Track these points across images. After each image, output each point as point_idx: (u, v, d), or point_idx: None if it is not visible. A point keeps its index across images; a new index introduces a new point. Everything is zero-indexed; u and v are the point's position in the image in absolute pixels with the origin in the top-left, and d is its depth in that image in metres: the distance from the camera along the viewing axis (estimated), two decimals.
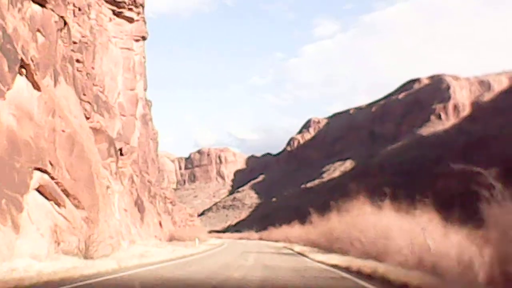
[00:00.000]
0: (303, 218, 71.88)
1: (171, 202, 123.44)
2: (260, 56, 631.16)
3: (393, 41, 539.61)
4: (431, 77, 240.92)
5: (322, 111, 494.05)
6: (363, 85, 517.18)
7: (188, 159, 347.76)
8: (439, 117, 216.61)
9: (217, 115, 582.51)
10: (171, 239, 75.61)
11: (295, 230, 73.43)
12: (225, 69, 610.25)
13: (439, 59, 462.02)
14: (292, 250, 57.03)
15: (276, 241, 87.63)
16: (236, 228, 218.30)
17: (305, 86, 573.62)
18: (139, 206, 66.74)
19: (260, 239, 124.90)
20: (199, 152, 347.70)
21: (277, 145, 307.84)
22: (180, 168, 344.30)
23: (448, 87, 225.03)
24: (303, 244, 60.46)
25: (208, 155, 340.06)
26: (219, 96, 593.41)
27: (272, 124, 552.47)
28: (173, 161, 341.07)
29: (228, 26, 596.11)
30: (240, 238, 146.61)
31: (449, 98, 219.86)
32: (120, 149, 65.42)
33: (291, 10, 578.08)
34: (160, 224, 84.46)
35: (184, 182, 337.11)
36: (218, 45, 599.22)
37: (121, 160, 64.23)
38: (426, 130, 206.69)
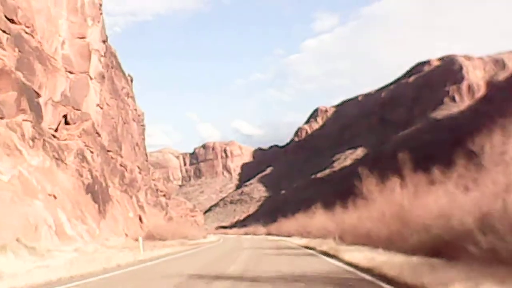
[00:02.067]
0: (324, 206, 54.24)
1: (164, 195, 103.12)
2: (260, 53, 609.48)
3: (394, 32, 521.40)
4: (442, 59, 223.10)
5: (327, 104, 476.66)
6: (366, 77, 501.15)
7: (193, 155, 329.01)
8: (453, 99, 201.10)
9: (222, 112, 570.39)
10: (149, 237, 55.07)
11: (317, 219, 52.16)
12: (226, 67, 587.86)
13: (444, 46, 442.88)
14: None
15: (289, 235, 65.99)
16: (244, 223, 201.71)
17: (308, 80, 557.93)
18: (96, 194, 46.20)
19: (268, 234, 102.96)
20: (204, 146, 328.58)
21: (283, 140, 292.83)
22: (185, 164, 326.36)
23: (461, 68, 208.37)
24: (337, 239, 34.13)
25: (213, 149, 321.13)
26: (223, 93, 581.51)
27: (278, 119, 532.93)
28: (177, 157, 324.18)
29: (226, 25, 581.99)
30: (246, 234, 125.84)
31: (462, 79, 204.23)
32: (65, 116, 45.13)
33: (288, 5, 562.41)
34: (140, 219, 63.94)
35: (190, 178, 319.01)
36: (218, 44, 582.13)
37: (66, 129, 43.79)
38: (440, 113, 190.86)
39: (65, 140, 44.09)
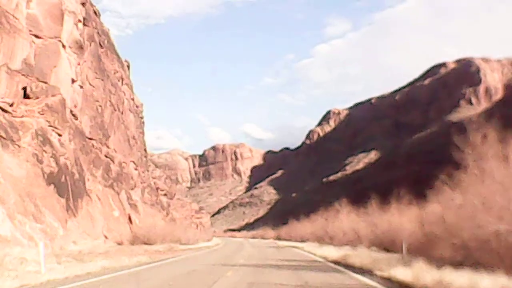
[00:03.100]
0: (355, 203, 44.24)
1: (165, 195, 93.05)
2: (272, 58, 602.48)
3: (406, 38, 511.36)
4: (458, 61, 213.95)
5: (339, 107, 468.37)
6: (378, 83, 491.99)
7: (202, 157, 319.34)
8: (470, 102, 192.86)
9: (232, 116, 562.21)
10: (134, 241, 45.16)
11: (344, 221, 40.03)
12: (237, 71, 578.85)
13: (456, 51, 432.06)
14: None
15: (302, 240, 55.14)
16: (254, 226, 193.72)
17: (319, 85, 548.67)
18: (63, 186, 36.22)
19: (278, 238, 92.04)
20: (213, 148, 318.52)
21: (294, 144, 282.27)
22: (194, 166, 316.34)
23: (478, 70, 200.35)
24: (405, 252, 22.35)
25: (223, 151, 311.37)
26: (234, 97, 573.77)
27: (288, 123, 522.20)
28: (186, 159, 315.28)
29: (238, 29, 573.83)
30: (253, 237, 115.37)
31: (479, 81, 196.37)
32: (24, 88, 35.23)
33: (300, 10, 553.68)
34: (130, 219, 53.94)
35: (199, 180, 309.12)
36: (229, 48, 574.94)
37: (25, 104, 33.89)
38: (456, 116, 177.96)
39: (21, 117, 34.15)
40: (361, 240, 26.62)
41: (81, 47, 45.29)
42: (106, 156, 52.57)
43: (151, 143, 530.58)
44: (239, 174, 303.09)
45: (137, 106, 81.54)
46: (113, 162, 54.49)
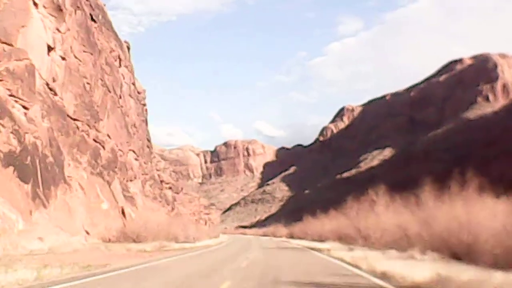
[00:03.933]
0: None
1: (170, 188, 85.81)
2: (284, 56, 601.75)
3: (417, 37, 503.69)
4: (475, 57, 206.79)
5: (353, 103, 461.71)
6: (390, 81, 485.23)
7: (214, 152, 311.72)
8: (487, 98, 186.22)
9: (244, 113, 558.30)
10: (121, 238, 37.73)
11: (382, 216, 30.77)
12: (249, 69, 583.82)
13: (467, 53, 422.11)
14: None
15: (321, 239, 46.59)
16: (265, 223, 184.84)
17: (331, 83, 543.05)
18: (28, 169, 28.92)
19: (291, 236, 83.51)
20: (225, 144, 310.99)
21: (306, 142, 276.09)
22: (205, 162, 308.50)
23: (495, 66, 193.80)
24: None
25: (235, 147, 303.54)
26: (246, 95, 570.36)
27: (301, 121, 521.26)
28: (198, 154, 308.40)
29: (249, 27, 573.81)
30: (264, 235, 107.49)
31: (496, 77, 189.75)
32: None
33: (312, 8, 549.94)
34: (123, 212, 46.72)
35: (210, 176, 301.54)
36: (241, 46, 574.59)
37: None
38: (473, 113, 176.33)
39: None
40: (410, 241, 18.88)
41: (59, 10, 37.88)
42: (95, 141, 45.27)
43: (162, 139, 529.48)
44: (251, 170, 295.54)
45: (139, 92, 74.24)
46: (104, 148, 47.15)
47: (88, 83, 45.42)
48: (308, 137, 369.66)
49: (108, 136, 51.25)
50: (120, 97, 60.71)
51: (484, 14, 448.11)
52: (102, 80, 49.81)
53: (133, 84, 69.90)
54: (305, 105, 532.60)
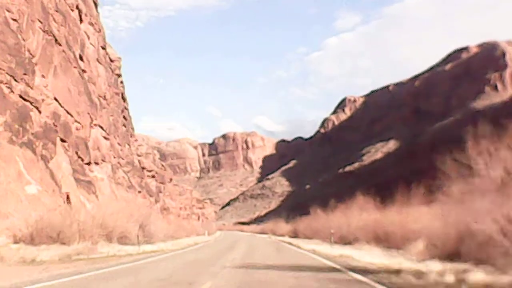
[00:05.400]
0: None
1: (153, 177, 72.24)
2: (283, 51, 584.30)
3: (418, 31, 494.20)
4: (482, 45, 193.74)
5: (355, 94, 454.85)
6: (388, 77, 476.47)
7: (212, 145, 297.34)
8: (495, 87, 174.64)
9: (244, 108, 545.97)
10: (34, 235, 23.71)
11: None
12: (248, 64, 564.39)
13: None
14: None
15: (347, 241, 30.90)
16: (265, 219, 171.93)
17: (330, 78, 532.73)
18: None
19: (295, 234, 65.52)
20: (223, 137, 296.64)
21: (306, 136, 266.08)
22: (203, 155, 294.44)
23: (503, 54, 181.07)
24: None
25: (234, 140, 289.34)
26: (245, 90, 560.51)
27: (300, 116, 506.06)
28: (195, 147, 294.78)
29: (248, 22, 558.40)
30: (262, 232, 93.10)
31: (505, 66, 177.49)
32: None
33: (311, 3, 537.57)
34: (68, 199, 32.69)
35: (208, 170, 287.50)
36: (240, 41, 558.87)
37: None
38: (481, 103, 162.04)
39: None
40: None
41: None
42: (22, 98, 31.39)
43: (162, 134, 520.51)
44: (250, 164, 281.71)
45: (111, 60, 60.43)
46: (39, 110, 33.27)
47: (14, 20, 31.62)
48: (308, 132, 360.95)
49: (55, 99, 37.59)
50: (82, 59, 47.12)
51: (484, 8, 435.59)
52: (43, 23, 36.01)
53: (103, 48, 56.10)
54: (305, 100, 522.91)
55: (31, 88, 32.64)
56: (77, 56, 45.43)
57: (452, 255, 17.06)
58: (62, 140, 37.78)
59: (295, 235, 61.90)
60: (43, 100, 34.18)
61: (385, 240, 25.25)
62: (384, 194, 35.42)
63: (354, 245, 29.04)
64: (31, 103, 32.15)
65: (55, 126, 35.89)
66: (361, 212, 32.94)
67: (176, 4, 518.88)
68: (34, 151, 31.13)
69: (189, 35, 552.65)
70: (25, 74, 32.02)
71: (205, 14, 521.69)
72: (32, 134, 31.55)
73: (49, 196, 30.63)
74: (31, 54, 33.78)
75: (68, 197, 34.05)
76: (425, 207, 22.63)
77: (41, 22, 35.61)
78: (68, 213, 25.90)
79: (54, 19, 39.43)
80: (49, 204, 30.06)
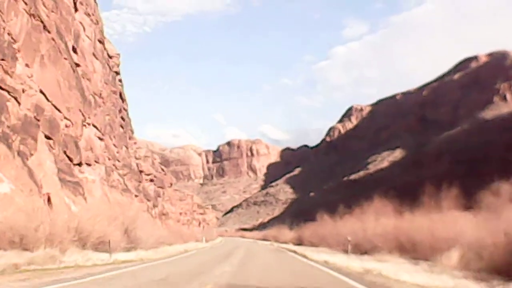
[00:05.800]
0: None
1: (152, 180, 68.68)
2: (289, 59, 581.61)
3: (423, 41, 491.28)
4: (491, 54, 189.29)
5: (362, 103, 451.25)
6: (395, 87, 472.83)
7: (216, 152, 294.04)
8: (504, 97, 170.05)
9: (249, 116, 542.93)
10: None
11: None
12: (254, 71, 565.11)
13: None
14: None
15: (364, 251, 26.22)
16: (268, 225, 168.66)
17: (336, 87, 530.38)
18: None
19: (299, 241, 60.85)
20: (228, 144, 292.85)
21: (312, 145, 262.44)
22: (207, 162, 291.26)
23: None
24: None
25: (238, 147, 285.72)
26: (251, 97, 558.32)
27: (306, 125, 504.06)
28: (200, 154, 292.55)
29: (255, 29, 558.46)
30: (264, 239, 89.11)
31: None
32: None
33: (318, 11, 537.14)
34: (49, 200, 28.95)
35: (212, 176, 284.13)
36: (246, 48, 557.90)
37: None
38: (490, 113, 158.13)
39: None
40: None
41: None
42: (1, 88, 27.87)
43: (167, 140, 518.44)
44: (254, 171, 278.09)
45: (110, 57, 57.00)
46: (18, 101, 29.74)
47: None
48: (313, 141, 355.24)
49: (42, 92, 34.13)
50: (75, 51, 43.72)
51: (494, 16, 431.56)
52: (28, 5, 32.54)
53: (100, 42, 52.70)
54: (311, 109, 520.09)
55: (10, 76, 29.16)
56: (70, 48, 42.03)
57: (500, 268, 13.42)
58: (47, 137, 34.31)
59: (299, 242, 57.57)
60: (23, 90, 30.69)
61: (412, 249, 21.36)
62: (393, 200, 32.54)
63: (373, 255, 24.91)
64: (8, 92, 28.67)
65: (38, 120, 32.40)
66: (377, 217, 28.95)
67: (183, 9, 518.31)
68: (9, 146, 27.61)
69: (195, 40, 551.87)
70: (3, 59, 28.54)
71: (212, 19, 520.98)
72: (8, 127, 28.07)
73: (24, 196, 27.04)
74: (12, 38, 30.34)
75: (49, 198, 30.51)
76: (459, 213, 18.65)
77: (26, 4, 32.15)
78: (37, 215, 22.14)
79: (43, 3, 36.06)
80: (24, 205, 26.45)
